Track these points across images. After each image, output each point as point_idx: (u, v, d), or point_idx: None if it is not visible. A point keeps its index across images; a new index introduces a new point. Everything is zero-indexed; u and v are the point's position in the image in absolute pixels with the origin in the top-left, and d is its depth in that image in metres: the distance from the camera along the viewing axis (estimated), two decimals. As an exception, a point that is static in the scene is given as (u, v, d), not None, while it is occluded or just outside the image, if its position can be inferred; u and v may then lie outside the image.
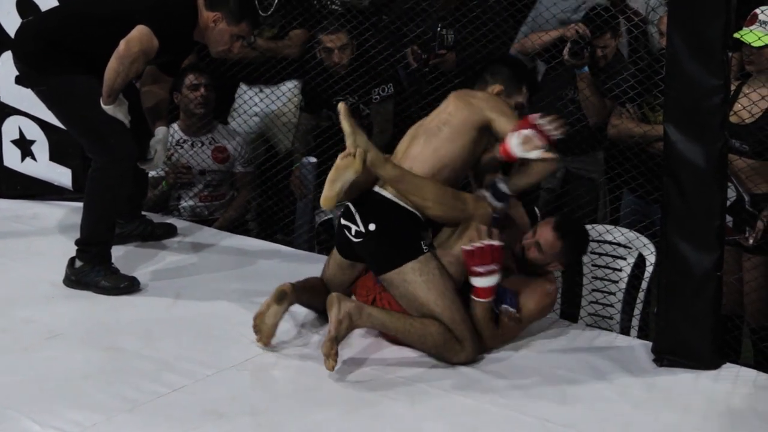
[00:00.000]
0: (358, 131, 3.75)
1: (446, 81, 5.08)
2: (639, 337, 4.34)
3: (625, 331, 4.41)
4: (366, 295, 3.96)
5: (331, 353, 3.60)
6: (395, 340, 3.86)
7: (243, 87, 5.73)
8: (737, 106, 4.34)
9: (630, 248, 4.53)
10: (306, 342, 3.95)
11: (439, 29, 5.31)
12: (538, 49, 5.14)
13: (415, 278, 3.72)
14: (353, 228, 3.80)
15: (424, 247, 3.76)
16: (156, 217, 5.11)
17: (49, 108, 4.52)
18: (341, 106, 3.78)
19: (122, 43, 4.16)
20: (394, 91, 5.33)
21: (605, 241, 4.57)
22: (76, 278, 4.36)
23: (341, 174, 3.70)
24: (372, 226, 3.75)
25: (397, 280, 3.75)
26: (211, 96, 5.43)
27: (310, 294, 3.99)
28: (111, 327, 4.07)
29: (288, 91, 5.63)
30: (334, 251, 4.06)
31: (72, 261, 4.39)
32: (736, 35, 4.16)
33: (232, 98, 5.71)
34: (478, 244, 3.72)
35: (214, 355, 3.81)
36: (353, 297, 3.99)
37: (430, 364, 3.79)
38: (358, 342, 3.93)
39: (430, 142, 3.83)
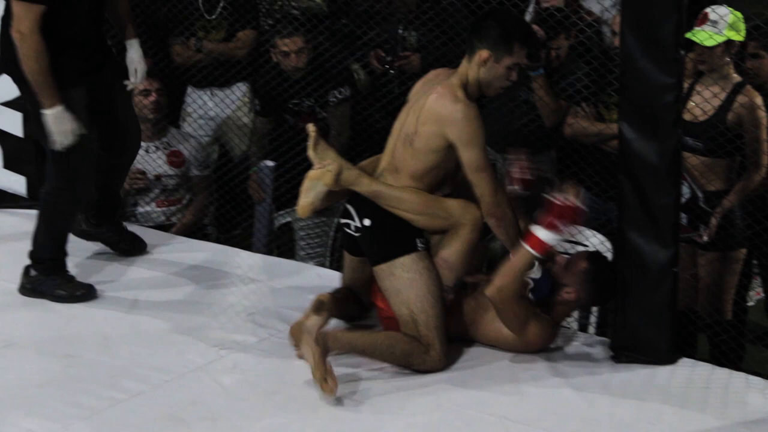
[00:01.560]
0: (325, 148, 3.75)
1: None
2: (597, 334, 4.36)
3: (582, 328, 4.43)
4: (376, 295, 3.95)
5: (324, 374, 3.52)
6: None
7: (190, 91, 5.70)
8: (690, 104, 4.38)
9: (586, 246, 4.55)
10: (264, 345, 3.94)
11: (400, 31, 5.33)
12: None
13: (401, 274, 3.71)
14: (352, 224, 3.81)
15: (419, 245, 3.75)
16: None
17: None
18: (310, 129, 3.76)
19: (13, 33, 3.99)
20: (351, 93, 5.33)
21: (569, 241, 4.58)
22: (32, 286, 4.32)
23: (313, 185, 3.72)
24: (367, 222, 3.76)
25: (385, 273, 3.75)
26: (162, 101, 5.40)
27: (343, 303, 3.95)
28: (66, 334, 4.04)
29: (236, 95, 5.62)
30: (345, 253, 4.05)
31: (27, 269, 4.35)
32: (688, 35, 4.20)
33: (180, 102, 5.69)
34: (566, 200, 3.66)
35: (172, 361, 3.80)
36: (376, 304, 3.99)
37: (386, 369, 3.77)
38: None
39: (408, 150, 3.76)
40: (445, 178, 3.82)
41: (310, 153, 3.77)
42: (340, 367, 3.66)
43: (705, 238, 4.41)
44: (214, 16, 5.62)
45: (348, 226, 3.84)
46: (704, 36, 4.28)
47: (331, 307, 3.82)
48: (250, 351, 3.89)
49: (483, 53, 3.72)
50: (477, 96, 3.79)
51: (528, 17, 5.30)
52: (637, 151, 3.75)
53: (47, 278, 4.30)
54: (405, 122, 3.82)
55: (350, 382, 3.63)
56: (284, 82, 5.28)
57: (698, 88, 4.41)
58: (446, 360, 3.75)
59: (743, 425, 3.45)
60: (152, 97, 5.33)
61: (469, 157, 3.68)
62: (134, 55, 4.44)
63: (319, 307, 3.78)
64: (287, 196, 5.37)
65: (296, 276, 4.60)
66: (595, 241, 4.52)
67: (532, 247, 3.69)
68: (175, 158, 5.46)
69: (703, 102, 4.35)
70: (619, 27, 3.91)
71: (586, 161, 4.85)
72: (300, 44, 5.20)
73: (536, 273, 3.79)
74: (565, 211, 3.67)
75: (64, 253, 4.38)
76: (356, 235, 3.82)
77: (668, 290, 3.82)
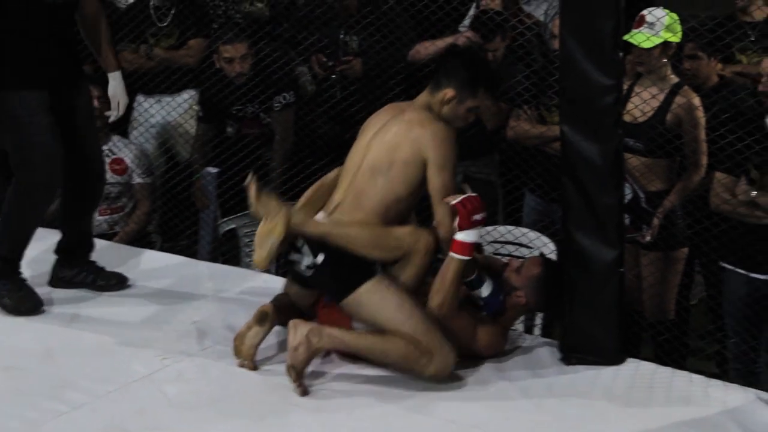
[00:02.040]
0: (268, 200, 3.66)
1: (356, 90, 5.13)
2: (542, 335, 4.38)
3: (528, 330, 4.45)
4: (319, 312, 3.92)
5: (294, 382, 3.56)
6: (356, 357, 3.78)
7: (140, 98, 5.67)
8: (630, 106, 4.42)
9: (531, 248, 4.57)
10: (209, 354, 3.91)
11: (342, 36, 5.33)
12: (430, 56, 5.16)
13: (370, 299, 3.65)
14: (303, 261, 3.72)
15: (377, 269, 3.69)
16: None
17: None
18: (248, 183, 3.68)
19: None
20: (295, 99, 5.32)
21: (507, 242, 4.60)
22: None
23: (265, 240, 3.64)
24: (320, 258, 3.68)
25: (353, 306, 3.68)
26: (105, 108, 5.34)
27: (285, 313, 3.87)
28: (8, 346, 3.97)
29: (184, 102, 5.60)
30: (291, 281, 3.96)
31: None
32: (626, 37, 4.24)
33: (129, 109, 5.64)
34: (463, 196, 3.63)
35: (115, 371, 3.75)
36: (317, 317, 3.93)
37: (335, 372, 3.78)
38: (266, 351, 3.91)
39: (377, 181, 3.70)
40: (410, 210, 3.78)
41: (253, 209, 3.66)
42: (284, 375, 3.64)
43: (647, 238, 4.46)
44: (165, 24, 5.60)
45: (299, 263, 3.75)
46: (642, 38, 4.33)
47: (274, 317, 3.79)
48: (195, 360, 3.86)
49: (449, 92, 3.73)
50: None
51: (467, 21, 5.33)
52: (579, 153, 3.77)
53: None
54: (368, 156, 3.74)
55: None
56: (226, 88, 5.25)
57: (637, 89, 4.46)
58: (450, 359, 3.65)
59: (686, 424, 3.47)
60: (94, 105, 5.28)
61: (439, 180, 3.65)
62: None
63: (262, 318, 3.76)
64: (231, 202, 5.36)
65: (241, 283, 4.57)
66: (540, 243, 4.54)
67: (458, 252, 3.66)
68: (117, 166, 5.41)
69: (642, 103, 4.40)
70: (558, 30, 3.94)
71: (529, 164, 4.88)
72: (243, 50, 5.18)
73: (485, 290, 3.81)
74: (467, 205, 3.63)
75: (19, 257, 4.29)
76: (308, 272, 3.73)
77: (615, 290, 3.84)
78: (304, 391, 3.57)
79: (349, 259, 3.67)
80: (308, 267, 3.71)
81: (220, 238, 5.43)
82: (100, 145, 4.57)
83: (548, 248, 4.51)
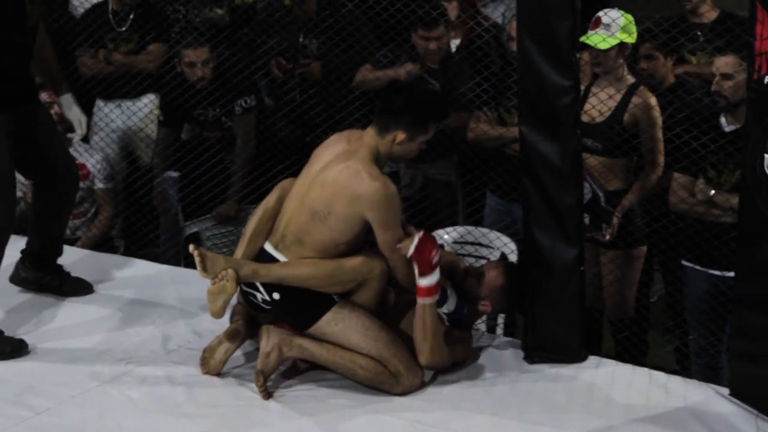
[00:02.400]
0: (214, 261, 3.61)
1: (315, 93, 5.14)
2: (504, 335, 4.41)
3: (491, 329, 4.47)
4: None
5: (259, 386, 3.58)
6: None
7: (100, 103, 5.66)
8: (587, 106, 4.46)
9: (492, 248, 4.60)
10: (173, 358, 3.91)
11: (301, 39, 5.34)
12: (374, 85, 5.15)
13: (333, 329, 3.66)
14: (258, 296, 3.72)
15: (335, 297, 3.69)
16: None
17: None
18: (193, 251, 3.63)
19: None
20: (256, 103, 5.32)
21: (467, 242, 4.63)
22: None
23: (217, 298, 3.63)
24: (276, 295, 3.67)
25: (318, 335, 3.69)
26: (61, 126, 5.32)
27: (254, 326, 3.88)
28: (-30, 352, 3.96)
29: (145, 106, 5.60)
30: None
31: None
32: (582, 38, 4.28)
33: (89, 114, 5.63)
34: (414, 242, 3.61)
35: (79, 376, 3.75)
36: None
37: (300, 374, 3.79)
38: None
39: (317, 225, 3.66)
40: (351, 250, 3.74)
41: (201, 274, 3.62)
42: (249, 376, 3.65)
43: (607, 237, 4.50)
44: (123, 28, 5.59)
45: (254, 296, 3.74)
46: (598, 39, 4.37)
47: (245, 334, 3.82)
48: (159, 363, 3.86)
49: (399, 135, 3.69)
50: (384, 164, 3.77)
51: None
52: (538, 153, 3.81)
53: None
54: (310, 193, 3.70)
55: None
56: (186, 92, 5.25)
57: (594, 90, 4.50)
58: (419, 378, 3.69)
59: (647, 420, 3.52)
60: (54, 110, 5.25)
61: (385, 238, 3.64)
62: (75, 108, 4.45)
63: (233, 335, 3.79)
64: (193, 206, 5.35)
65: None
66: (500, 243, 4.56)
67: (427, 297, 3.67)
68: (79, 171, 5.37)
69: (599, 104, 4.44)
70: (516, 32, 3.97)
71: (489, 164, 4.91)
72: (205, 55, 5.19)
73: (450, 305, 3.83)
74: (422, 249, 3.62)
75: None
76: (265, 306, 3.74)
77: (576, 289, 3.88)
78: (268, 396, 3.60)
79: (306, 293, 3.66)
80: (264, 302, 3.72)
81: (182, 241, 5.41)
82: (67, 152, 4.54)
83: (509, 248, 4.53)
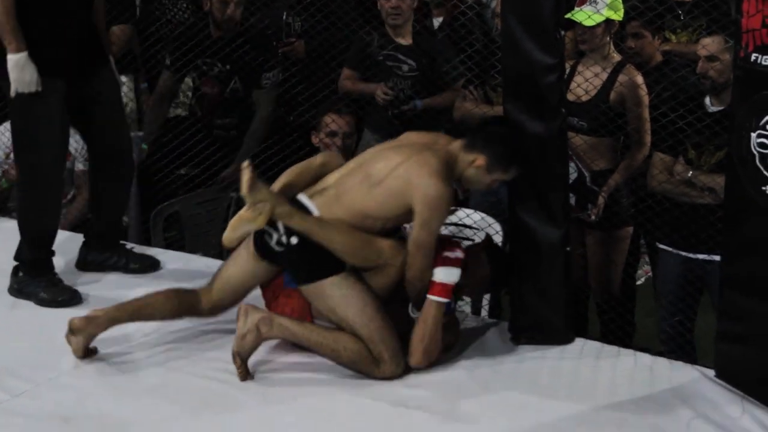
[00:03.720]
0: (260, 188, 3.55)
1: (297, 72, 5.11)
2: (489, 316, 4.38)
3: (476, 311, 4.44)
4: (271, 297, 3.87)
5: (238, 368, 3.53)
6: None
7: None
8: (573, 85, 4.42)
9: (477, 229, 4.56)
10: (152, 339, 3.87)
11: (285, 17, 5.29)
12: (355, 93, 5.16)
13: (333, 293, 3.60)
14: (275, 236, 3.64)
15: (347, 265, 3.64)
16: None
17: None
18: (245, 167, 3.55)
19: None
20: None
21: (452, 224, 4.59)
22: (18, 287, 4.21)
23: (243, 225, 3.59)
24: (294, 240, 3.61)
25: (316, 293, 3.64)
26: None
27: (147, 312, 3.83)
28: (-55, 335, 3.92)
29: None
30: (242, 253, 3.82)
31: (15, 270, 4.25)
32: (568, 15, 4.24)
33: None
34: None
35: (56, 358, 3.69)
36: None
37: (281, 355, 3.75)
38: (211, 336, 3.89)
39: (364, 189, 3.63)
40: (375, 231, 3.69)
41: (244, 193, 3.55)
42: (228, 360, 3.61)
43: (593, 216, 4.47)
44: None
45: (270, 235, 3.67)
46: (584, 16, 4.33)
47: (93, 329, 3.72)
48: (138, 345, 3.82)
49: (480, 160, 3.67)
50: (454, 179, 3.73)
51: None
52: (523, 132, 3.76)
53: (32, 280, 4.18)
54: (374, 162, 3.68)
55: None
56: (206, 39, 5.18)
57: (580, 68, 4.46)
58: (401, 368, 3.64)
59: (632, 402, 3.49)
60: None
61: (420, 234, 3.59)
62: (115, 72, 4.37)
63: (71, 331, 3.70)
64: (174, 185, 5.31)
65: (185, 266, 4.55)
66: (484, 224, 4.53)
67: (439, 296, 3.63)
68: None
69: (585, 82, 4.40)
70: (500, 9, 3.92)
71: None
72: None
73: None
74: (446, 242, 3.63)
75: (48, 253, 4.25)
76: (278, 248, 3.66)
77: (562, 270, 3.86)
78: (246, 376, 3.56)
79: (322, 248, 3.61)
80: (279, 243, 3.65)
81: (163, 221, 5.35)
82: (127, 131, 4.50)
83: (493, 229, 4.50)
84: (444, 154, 3.67)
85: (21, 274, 4.23)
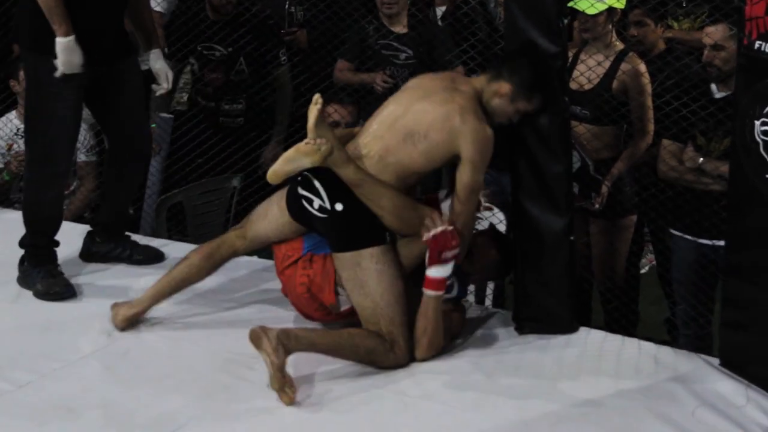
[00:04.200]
0: (325, 126, 3.55)
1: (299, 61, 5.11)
2: (493, 306, 4.38)
3: (480, 300, 4.44)
4: (283, 257, 3.80)
5: (285, 383, 3.39)
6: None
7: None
8: (575, 73, 4.41)
9: (480, 218, 4.55)
10: (157, 330, 3.87)
11: (287, 7, 5.29)
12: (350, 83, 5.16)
13: (369, 265, 3.58)
14: (316, 201, 3.62)
15: (388, 237, 3.64)
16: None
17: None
18: (316, 97, 3.53)
19: None
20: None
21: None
22: (22, 276, 4.23)
23: (298, 159, 3.54)
24: (339, 206, 3.58)
25: (351, 263, 3.61)
26: None
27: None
28: (-50, 325, 3.92)
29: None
30: (273, 209, 3.81)
31: (22, 259, 4.26)
32: (571, 3, 4.23)
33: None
34: (437, 230, 3.57)
35: (61, 348, 3.70)
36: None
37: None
38: (214, 326, 3.90)
39: (407, 146, 3.62)
40: (422, 180, 3.76)
41: (311, 125, 3.51)
42: (233, 350, 3.62)
43: (596, 206, 4.46)
44: None
45: (309, 201, 3.64)
46: (586, 4, 4.32)
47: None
48: (142, 336, 3.82)
49: (504, 87, 3.67)
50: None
51: None
52: (526, 121, 3.76)
53: (33, 269, 4.19)
54: (407, 116, 3.66)
55: (246, 365, 3.58)
56: (202, 23, 5.17)
57: (583, 56, 4.45)
58: (409, 355, 3.64)
59: (637, 391, 3.49)
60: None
61: (470, 176, 3.60)
62: (161, 62, 4.35)
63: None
64: (176, 176, 5.30)
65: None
66: (488, 213, 4.52)
67: (432, 289, 3.62)
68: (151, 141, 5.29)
69: (588, 71, 4.39)
70: (503, -3, 3.92)
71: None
72: None
73: (452, 293, 3.81)
74: (441, 240, 3.58)
75: (50, 242, 4.25)
76: (319, 215, 3.64)
77: (566, 259, 3.85)
78: (293, 397, 3.40)
79: (367, 218, 3.60)
80: (321, 209, 3.63)
81: (167, 211, 5.35)
82: (147, 123, 4.49)
83: (497, 218, 4.50)
84: (472, 93, 3.70)
85: (25, 263, 4.24)
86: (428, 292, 3.61)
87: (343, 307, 3.74)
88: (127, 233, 4.57)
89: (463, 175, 3.61)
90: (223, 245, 3.89)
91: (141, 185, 4.88)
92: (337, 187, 3.59)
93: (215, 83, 5.27)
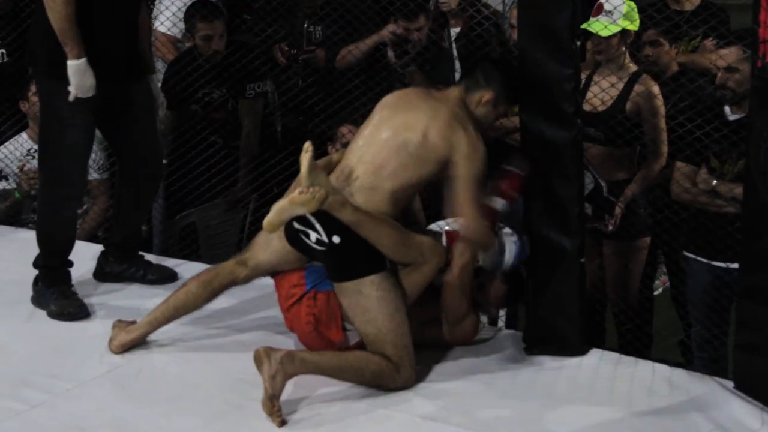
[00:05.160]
0: (318, 172, 3.55)
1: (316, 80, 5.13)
2: (506, 327, 4.37)
3: (493, 321, 4.43)
4: (287, 295, 3.82)
5: (273, 411, 3.39)
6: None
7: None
8: (589, 95, 4.41)
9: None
10: (169, 350, 3.88)
11: (305, 26, 5.31)
12: (358, 59, 5.16)
13: (370, 292, 3.59)
14: (313, 235, 3.62)
15: (388, 263, 3.65)
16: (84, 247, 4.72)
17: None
18: (306, 145, 3.54)
19: None
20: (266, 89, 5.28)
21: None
22: (36, 296, 4.23)
23: (293, 208, 3.55)
24: (336, 239, 3.59)
25: (352, 290, 3.61)
26: None
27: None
28: (-37, 344, 3.93)
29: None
30: (274, 240, 3.80)
31: (36, 279, 4.26)
32: (584, 25, 4.23)
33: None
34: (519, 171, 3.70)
35: (73, 368, 3.72)
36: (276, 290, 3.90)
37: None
38: (226, 347, 3.90)
39: (400, 156, 3.64)
40: (415, 195, 3.82)
41: (303, 174, 3.52)
42: (242, 370, 3.60)
43: (609, 227, 4.44)
44: None
45: (306, 234, 3.65)
46: (600, 26, 4.32)
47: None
48: (155, 356, 3.83)
49: (487, 95, 3.75)
50: None
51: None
52: (539, 143, 3.76)
53: (47, 290, 4.19)
54: (397, 128, 3.69)
55: (257, 385, 3.55)
56: (195, 72, 5.19)
57: (596, 78, 4.45)
58: (414, 376, 3.65)
59: (650, 413, 3.48)
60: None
61: (469, 188, 3.63)
62: (157, 89, 4.40)
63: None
64: (190, 196, 5.30)
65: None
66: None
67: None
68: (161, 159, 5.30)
69: (601, 92, 4.39)
70: (516, 20, 3.92)
71: (490, 153, 4.85)
72: (221, 29, 5.12)
73: (502, 205, 3.82)
74: (517, 181, 3.70)
75: (63, 263, 4.26)
76: (318, 247, 3.64)
77: (577, 281, 3.84)
78: (283, 422, 3.40)
79: (365, 247, 3.61)
80: (319, 242, 3.63)
81: (179, 232, 5.36)
82: (158, 143, 4.49)
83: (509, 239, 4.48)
84: (457, 103, 3.74)
85: (39, 283, 4.24)
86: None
87: (353, 341, 3.74)
88: (140, 253, 4.58)
89: (461, 188, 3.62)
90: (221, 273, 3.88)
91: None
92: (332, 220, 3.59)
93: (218, 122, 5.30)
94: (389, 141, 3.67)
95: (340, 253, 3.62)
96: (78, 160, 4.16)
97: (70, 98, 3.96)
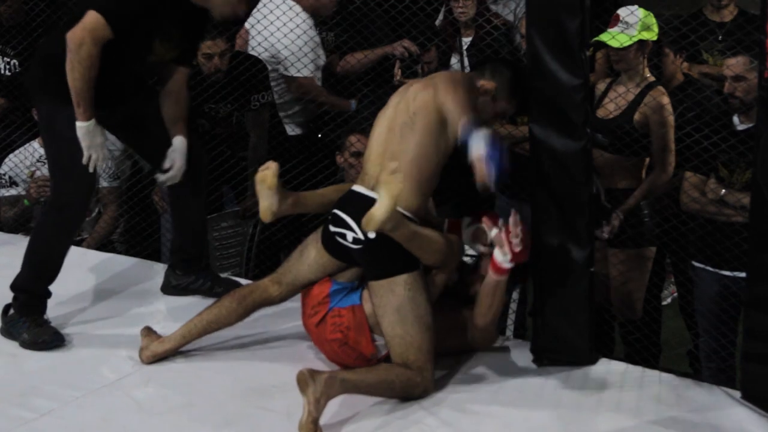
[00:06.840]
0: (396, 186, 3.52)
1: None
2: (514, 336, 4.37)
3: (501, 330, 4.43)
4: (312, 313, 3.83)
5: None
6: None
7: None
8: (606, 101, 4.43)
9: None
10: (179, 359, 3.88)
11: (319, 32, 5.32)
12: (362, 68, 5.17)
13: (402, 291, 3.61)
14: (349, 234, 3.66)
15: (420, 263, 3.68)
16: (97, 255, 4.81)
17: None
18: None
19: (74, 34, 3.82)
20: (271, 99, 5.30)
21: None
22: (6, 327, 4.10)
23: (260, 188, 3.76)
24: (372, 234, 3.58)
25: (385, 289, 3.63)
26: None
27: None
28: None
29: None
30: (311, 252, 3.85)
31: (6, 308, 4.13)
32: (602, 36, 4.25)
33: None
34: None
35: (83, 377, 3.73)
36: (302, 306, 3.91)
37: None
38: (233, 356, 3.90)
39: (406, 138, 3.68)
40: (438, 172, 3.74)
41: (384, 186, 3.51)
42: (251, 378, 3.61)
43: (605, 235, 4.42)
44: None
45: (343, 236, 3.69)
46: (617, 37, 4.31)
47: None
48: (165, 364, 3.83)
49: (488, 84, 3.78)
50: None
51: (437, 22, 5.35)
52: (548, 152, 3.77)
53: (19, 319, 4.06)
54: (396, 119, 3.73)
55: (266, 394, 3.59)
56: (199, 87, 5.21)
57: (615, 88, 4.46)
58: (434, 384, 3.66)
59: (657, 423, 3.48)
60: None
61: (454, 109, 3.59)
62: (176, 147, 4.20)
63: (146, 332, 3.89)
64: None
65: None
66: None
67: (499, 273, 3.71)
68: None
69: (617, 97, 4.40)
70: (525, 29, 3.93)
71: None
72: (223, 46, 5.15)
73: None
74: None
75: (43, 292, 4.13)
76: (355, 246, 3.67)
77: (585, 290, 3.84)
78: None
79: (399, 245, 3.62)
80: (356, 240, 3.66)
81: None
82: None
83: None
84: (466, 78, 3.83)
85: (11, 312, 4.10)
86: (494, 277, 3.71)
87: (383, 353, 3.74)
88: (206, 265, 4.52)
89: (452, 114, 3.59)
90: (256, 291, 3.90)
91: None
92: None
93: (222, 136, 5.31)
94: (395, 134, 3.71)
95: (376, 248, 3.63)
96: (85, 188, 4.09)
97: (84, 161, 3.94)
